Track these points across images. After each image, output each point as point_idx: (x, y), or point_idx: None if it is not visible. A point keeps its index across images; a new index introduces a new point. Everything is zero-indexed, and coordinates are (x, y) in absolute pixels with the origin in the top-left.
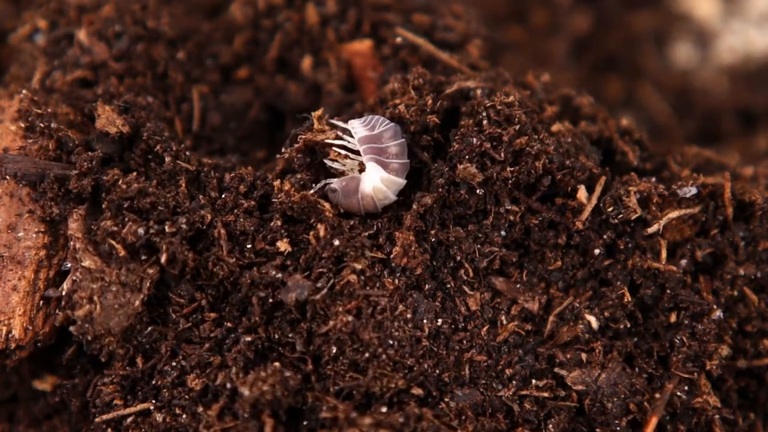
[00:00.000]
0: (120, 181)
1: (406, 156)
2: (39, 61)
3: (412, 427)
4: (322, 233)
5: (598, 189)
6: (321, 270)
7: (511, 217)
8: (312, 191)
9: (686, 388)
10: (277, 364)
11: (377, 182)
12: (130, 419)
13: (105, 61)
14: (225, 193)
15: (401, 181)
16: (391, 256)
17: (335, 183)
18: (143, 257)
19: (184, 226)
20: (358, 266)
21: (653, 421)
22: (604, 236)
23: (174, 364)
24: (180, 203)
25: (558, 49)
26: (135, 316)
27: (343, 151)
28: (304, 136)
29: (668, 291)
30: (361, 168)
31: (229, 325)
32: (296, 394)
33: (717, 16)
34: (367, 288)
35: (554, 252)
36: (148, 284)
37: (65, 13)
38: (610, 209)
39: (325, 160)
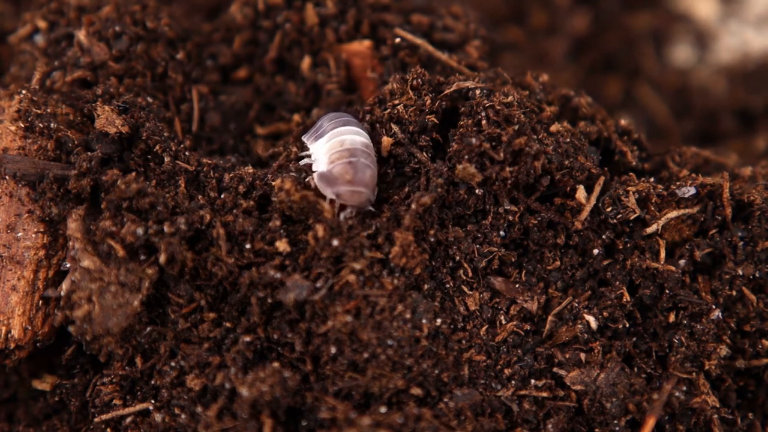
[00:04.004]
0: (119, 181)
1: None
2: (39, 62)
3: (411, 427)
4: (320, 233)
5: (597, 189)
6: (320, 270)
7: (510, 217)
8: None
9: (685, 388)
10: (276, 364)
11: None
12: (129, 419)
13: (105, 61)
14: (224, 193)
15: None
16: (390, 256)
17: (316, 172)
18: (142, 257)
19: (183, 226)
20: (357, 266)
21: (650, 422)
22: (603, 236)
23: (173, 364)
24: (179, 203)
25: (557, 50)
26: (134, 316)
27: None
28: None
29: (667, 291)
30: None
31: (228, 325)
32: (295, 395)
33: (715, 17)
34: (366, 288)
35: (553, 252)
36: (147, 284)
37: (65, 13)
38: (609, 209)
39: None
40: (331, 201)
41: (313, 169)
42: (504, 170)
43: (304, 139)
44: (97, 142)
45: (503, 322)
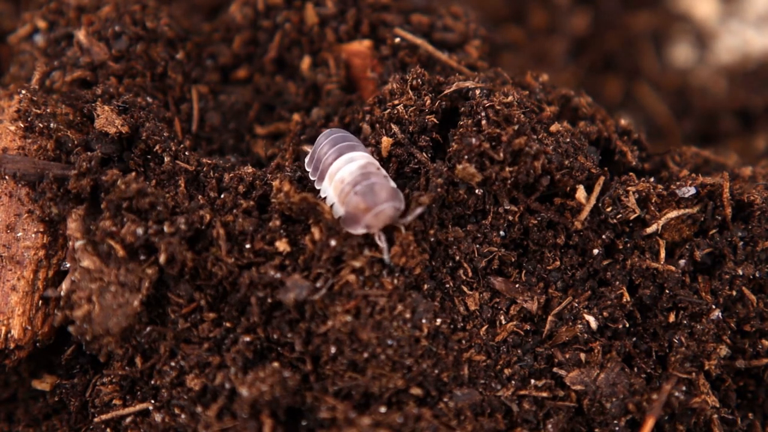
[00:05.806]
0: (119, 181)
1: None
2: (38, 62)
3: (410, 427)
4: (317, 236)
5: (597, 189)
6: (320, 270)
7: (510, 217)
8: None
9: (685, 388)
10: (276, 364)
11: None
12: (129, 419)
13: (104, 61)
14: (224, 193)
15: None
16: (390, 255)
17: (340, 219)
18: (142, 257)
19: (182, 226)
20: (357, 264)
21: (650, 422)
22: (603, 236)
23: (173, 364)
24: (179, 203)
25: (557, 50)
26: (134, 316)
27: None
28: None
29: (667, 291)
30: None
31: (228, 325)
32: (295, 394)
33: (715, 17)
34: (366, 288)
35: (553, 252)
36: (146, 284)
37: (65, 13)
38: (609, 209)
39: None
40: (368, 235)
41: (334, 215)
42: (504, 170)
43: (308, 170)
44: (97, 142)
45: (503, 322)
